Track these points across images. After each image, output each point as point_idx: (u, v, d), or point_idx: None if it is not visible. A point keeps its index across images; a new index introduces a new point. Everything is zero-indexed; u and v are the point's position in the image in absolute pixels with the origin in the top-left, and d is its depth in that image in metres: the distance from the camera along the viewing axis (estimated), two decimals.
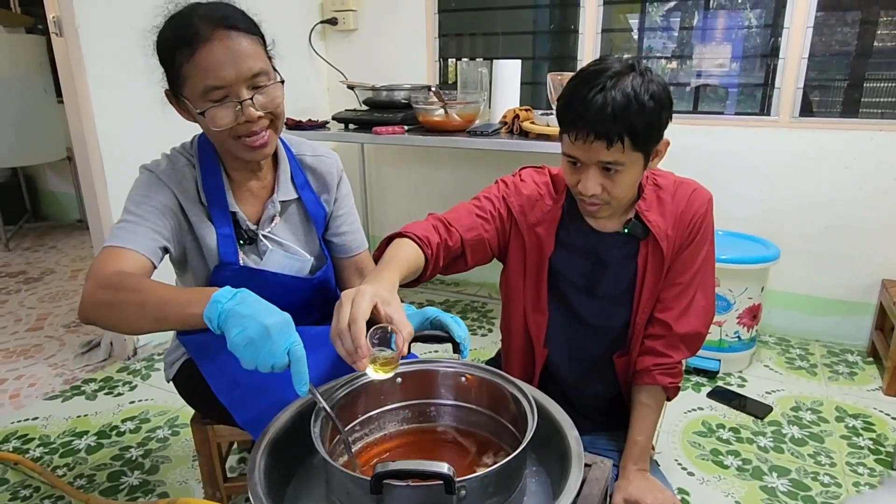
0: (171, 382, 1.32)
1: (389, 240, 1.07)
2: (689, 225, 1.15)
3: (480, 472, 0.68)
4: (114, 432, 1.92)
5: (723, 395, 2.12)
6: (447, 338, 0.97)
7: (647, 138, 1.02)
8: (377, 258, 1.04)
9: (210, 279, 1.15)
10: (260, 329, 0.76)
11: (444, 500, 0.66)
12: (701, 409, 2.05)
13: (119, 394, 2.14)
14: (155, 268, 1.04)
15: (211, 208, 1.13)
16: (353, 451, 0.84)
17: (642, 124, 0.99)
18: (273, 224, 1.20)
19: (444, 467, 0.65)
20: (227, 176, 1.15)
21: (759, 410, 2.02)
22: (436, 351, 2.14)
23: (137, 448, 1.84)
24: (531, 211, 1.19)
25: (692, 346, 1.20)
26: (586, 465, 0.85)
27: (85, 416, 2.01)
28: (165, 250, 1.09)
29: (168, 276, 1.14)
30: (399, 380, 0.94)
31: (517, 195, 1.20)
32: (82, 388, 2.18)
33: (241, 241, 1.17)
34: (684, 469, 1.74)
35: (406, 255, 1.01)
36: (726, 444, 1.86)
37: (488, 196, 1.21)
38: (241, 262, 1.15)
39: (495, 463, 0.72)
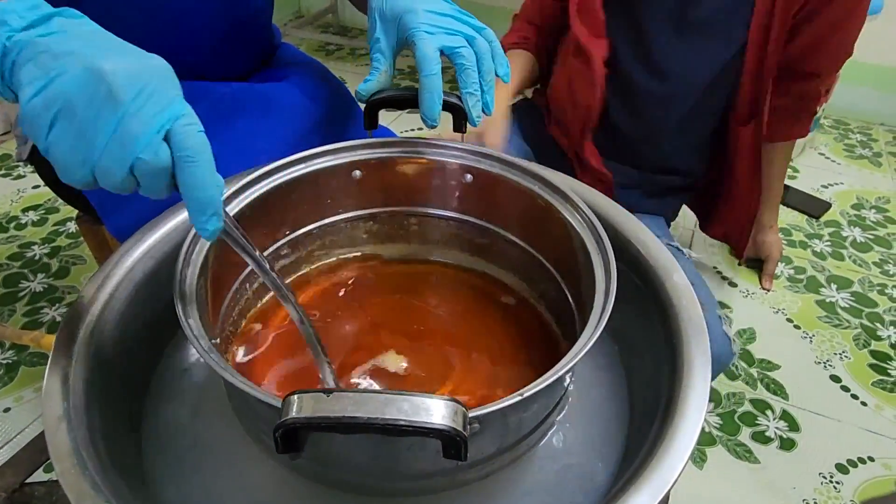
0: (26, 164, 0.88)
1: None
2: None
3: (501, 402, 0.32)
4: (12, 225, 1.52)
5: None
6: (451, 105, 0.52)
7: None
8: None
9: None
10: (87, 79, 0.32)
11: (439, 462, 0.30)
12: None
13: (20, 176, 1.70)
14: None
15: None
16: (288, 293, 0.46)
17: None
18: None
19: (440, 410, 0.27)
20: None
21: (813, 208, 1.67)
22: (419, 129, 1.68)
23: (42, 245, 1.46)
24: None
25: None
26: None
27: None
28: None
29: None
30: (357, 173, 0.53)
31: None
32: None
33: None
34: (725, 278, 1.43)
35: None
36: None
37: None
38: None
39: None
